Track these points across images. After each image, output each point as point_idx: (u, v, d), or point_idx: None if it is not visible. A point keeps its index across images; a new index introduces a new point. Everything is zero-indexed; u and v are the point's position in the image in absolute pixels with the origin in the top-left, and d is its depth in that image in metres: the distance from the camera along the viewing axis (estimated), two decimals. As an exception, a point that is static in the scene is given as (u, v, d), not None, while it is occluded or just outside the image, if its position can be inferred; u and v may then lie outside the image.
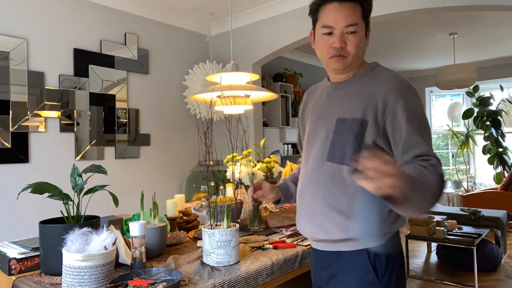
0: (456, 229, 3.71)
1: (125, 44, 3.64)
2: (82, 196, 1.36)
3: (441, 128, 7.52)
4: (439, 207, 4.65)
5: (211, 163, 1.56)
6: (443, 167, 7.48)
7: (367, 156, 0.82)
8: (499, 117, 6.14)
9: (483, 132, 6.27)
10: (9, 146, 2.86)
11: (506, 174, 5.95)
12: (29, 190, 1.28)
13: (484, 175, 6.98)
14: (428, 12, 3.20)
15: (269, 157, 2.13)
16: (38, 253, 1.39)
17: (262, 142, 2.39)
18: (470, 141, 6.69)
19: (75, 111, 3.24)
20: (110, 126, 3.49)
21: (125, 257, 1.39)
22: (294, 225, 1.92)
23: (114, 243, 1.20)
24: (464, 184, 6.66)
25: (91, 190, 1.37)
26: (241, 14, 4.04)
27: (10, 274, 1.34)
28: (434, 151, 1.04)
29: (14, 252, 1.37)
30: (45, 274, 1.30)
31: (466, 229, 3.73)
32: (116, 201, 1.40)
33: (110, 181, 3.38)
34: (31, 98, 2.98)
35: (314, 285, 1.30)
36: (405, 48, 5.62)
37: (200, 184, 3.43)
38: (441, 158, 7.61)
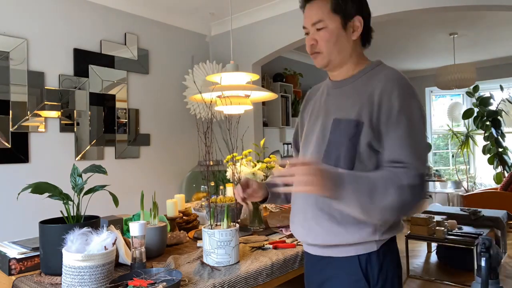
0: (456, 229, 3.71)
1: (125, 44, 3.64)
2: (82, 196, 1.36)
3: (441, 128, 7.52)
4: (439, 207, 4.65)
5: (211, 163, 1.56)
6: (443, 167, 7.47)
7: (292, 164, 0.92)
8: (499, 117, 6.14)
9: (483, 132, 6.27)
10: (9, 146, 2.86)
11: (506, 174, 5.95)
12: (29, 190, 1.29)
13: (484, 175, 6.98)
14: (428, 12, 3.20)
15: (269, 157, 2.13)
16: (38, 253, 1.39)
17: (262, 142, 2.39)
18: (470, 141, 6.69)
19: (75, 111, 3.24)
20: (110, 126, 3.49)
21: (125, 257, 1.39)
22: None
23: (114, 243, 1.20)
24: (464, 184, 6.66)
25: (91, 190, 1.37)
26: (241, 14, 4.04)
27: (10, 274, 1.34)
28: (428, 156, 1.04)
29: (14, 252, 1.37)
30: (45, 274, 1.30)
31: (466, 229, 3.72)
32: (116, 201, 1.40)
33: (110, 181, 3.37)
34: (31, 98, 2.98)
35: None
36: (405, 48, 5.61)
37: (200, 184, 3.43)
38: (441, 158, 7.60)
